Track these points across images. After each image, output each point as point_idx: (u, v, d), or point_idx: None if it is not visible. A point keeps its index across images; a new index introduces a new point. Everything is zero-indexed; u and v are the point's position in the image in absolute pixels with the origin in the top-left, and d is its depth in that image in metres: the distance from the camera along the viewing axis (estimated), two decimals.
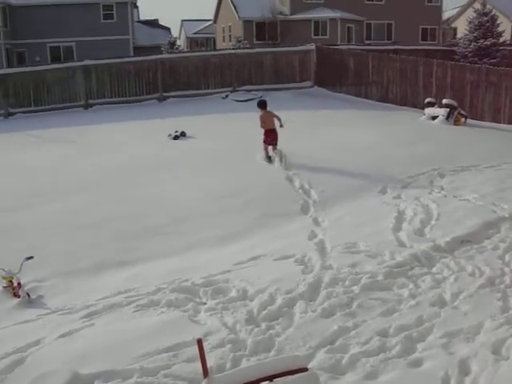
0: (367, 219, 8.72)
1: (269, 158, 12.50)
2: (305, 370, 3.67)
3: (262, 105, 12.95)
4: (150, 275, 7.07)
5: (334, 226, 8.48)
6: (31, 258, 7.30)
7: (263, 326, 5.58)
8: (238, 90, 22.87)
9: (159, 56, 24.17)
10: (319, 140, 14.54)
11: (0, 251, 8.36)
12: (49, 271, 7.58)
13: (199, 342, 3.46)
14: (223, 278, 6.67)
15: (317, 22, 40.98)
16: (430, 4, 44.28)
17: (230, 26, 44.47)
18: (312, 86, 23.57)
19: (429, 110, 17.92)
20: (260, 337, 5.34)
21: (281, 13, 40.96)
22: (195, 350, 4.85)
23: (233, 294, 6.27)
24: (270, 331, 5.47)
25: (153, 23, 53.13)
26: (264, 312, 5.83)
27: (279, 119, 12.73)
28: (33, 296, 7.03)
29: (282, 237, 8.18)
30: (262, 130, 12.67)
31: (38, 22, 39.67)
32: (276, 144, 12.57)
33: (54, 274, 7.53)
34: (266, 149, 12.60)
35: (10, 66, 36.19)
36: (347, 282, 6.39)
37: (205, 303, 6.14)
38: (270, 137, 12.60)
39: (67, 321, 6.10)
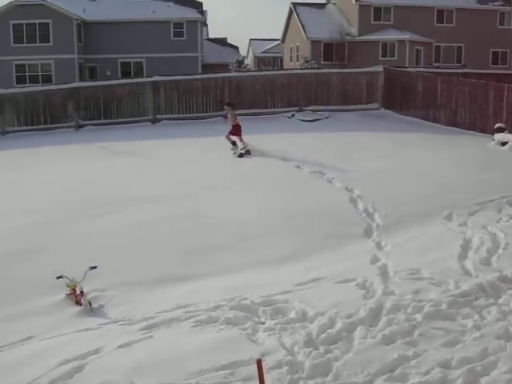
0: (432, 245, 8.50)
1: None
2: None
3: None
4: (209, 291, 7.09)
5: (398, 251, 8.31)
6: (95, 267, 7.44)
7: (322, 349, 5.49)
8: (304, 110, 22.85)
9: (227, 74, 24.46)
10: (384, 163, 14.30)
11: (66, 259, 8.58)
12: (111, 281, 7.71)
13: (259, 363, 3.42)
14: (283, 298, 6.62)
15: (385, 44, 40.70)
16: (501, 27, 43.31)
17: (297, 46, 44.67)
18: (379, 108, 23.32)
19: (499, 136, 17.41)
20: (318, 360, 5.26)
21: (349, 34, 40.92)
22: (252, 369, 4.85)
23: (292, 315, 6.21)
24: (329, 355, 5.38)
25: (221, 41, 53.95)
26: (323, 335, 5.74)
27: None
28: (94, 305, 7.16)
29: (343, 259, 8.07)
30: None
31: (111, 38, 40.90)
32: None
33: (116, 284, 7.66)
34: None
35: (82, 79, 37.37)
36: (409, 310, 6.23)
37: (263, 323, 6.10)
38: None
39: (126, 332, 6.17)
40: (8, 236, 9.98)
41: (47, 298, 7.53)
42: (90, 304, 7.14)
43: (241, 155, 15.39)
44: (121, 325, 6.39)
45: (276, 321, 6.09)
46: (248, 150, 15.55)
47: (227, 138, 15.99)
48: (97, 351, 5.77)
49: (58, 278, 7.40)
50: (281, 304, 6.47)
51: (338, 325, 5.92)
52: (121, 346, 5.78)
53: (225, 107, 17.47)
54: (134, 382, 4.83)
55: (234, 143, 15.88)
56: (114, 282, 7.72)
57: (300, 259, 8.17)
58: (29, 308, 7.42)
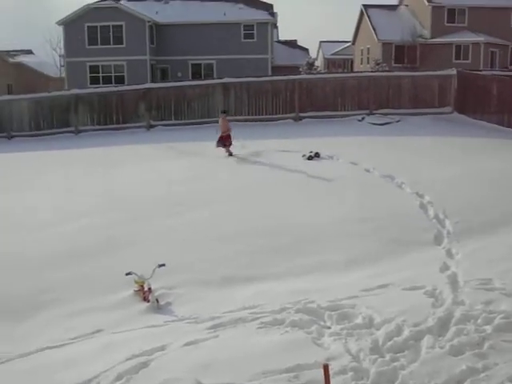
0: (504, 255, 8.21)
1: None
2: None
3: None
4: (275, 293, 7.11)
5: (468, 260, 8.08)
6: (163, 265, 7.57)
7: (387, 357, 5.40)
8: (374, 113, 22.56)
9: (297, 76, 24.42)
10: (457, 169, 13.92)
11: (136, 256, 8.78)
12: (179, 280, 7.84)
13: (325, 368, 3.40)
14: (350, 303, 6.55)
15: (458, 46, 39.76)
16: None
17: (368, 48, 44.21)
18: (451, 112, 22.77)
19: None
20: (384, 368, 5.18)
21: (421, 36, 40.15)
22: (316, 373, 4.82)
23: (358, 320, 6.14)
24: (395, 363, 5.28)
25: (292, 43, 53.94)
26: (389, 343, 5.65)
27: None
28: (161, 302, 7.29)
29: (412, 266, 7.92)
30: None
31: (182, 40, 41.57)
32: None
33: (183, 282, 7.78)
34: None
35: (153, 80, 38.10)
36: (479, 321, 6.04)
37: (329, 327, 6.06)
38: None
39: (193, 330, 6.26)
40: (85, 232, 10.32)
41: (117, 293, 7.74)
42: (158, 301, 7.27)
43: (310, 158, 15.33)
44: (187, 323, 6.48)
45: (342, 326, 6.03)
46: (317, 153, 15.48)
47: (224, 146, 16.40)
48: (163, 348, 5.86)
49: (126, 274, 7.58)
50: (347, 309, 6.41)
51: (405, 333, 5.81)
52: (187, 344, 5.86)
53: (221, 115, 17.41)
54: (199, 379, 4.87)
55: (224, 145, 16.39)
56: (181, 280, 7.85)
57: (368, 264, 8.08)
58: (99, 303, 7.65)
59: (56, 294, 8.03)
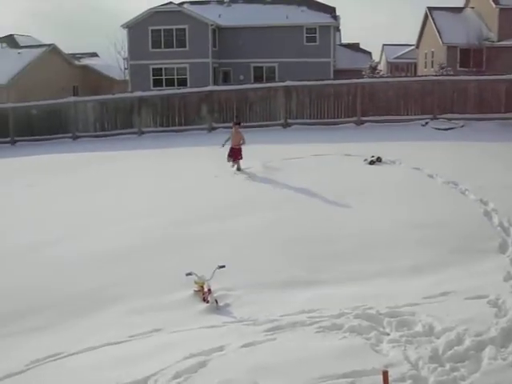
0: None
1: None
2: None
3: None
4: (334, 298, 7.07)
5: None
6: (223, 266, 7.64)
7: (447, 366, 5.29)
8: (438, 118, 22.16)
9: (360, 80, 24.22)
10: None
11: (197, 257, 8.89)
12: (238, 281, 7.89)
13: (385, 374, 3.37)
14: (410, 310, 6.46)
15: None
16: None
17: (432, 52, 43.41)
18: None
19: None
20: (443, 377, 5.08)
21: (487, 39, 39.13)
22: (374, 379, 4.78)
23: (418, 328, 6.04)
24: (455, 373, 5.18)
25: (354, 47, 53.57)
26: (450, 352, 5.53)
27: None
28: (220, 303, 7.35)
29: (475, 275, 7.73)
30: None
31: (244, 43, 41.86)
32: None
33: (242, 284, 7.83)
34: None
35: (215, 83, 38.50)
36: None
37: (388, 334, 5.98)
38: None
39: (251, 332, 6.28)
40: (148, 231, 10.54)
41: (176, 293, 7.85)
42: (217, 302, 7.34)
43: (372, 162, 15.18)
44: (245, 325, 6.51)
45: (401, 333, 5.95)
46: (379, 158, 15.30)
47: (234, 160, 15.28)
48: (221, 348, 5.91)
49: (187, 274, 7.67)
50: (407, 316, 6.31)
51: (467, 342, 5.68)
52: (244, 346, 5.89)
53: (234, 125, 15.96)
54: (257, 381, 4.89)
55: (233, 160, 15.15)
56: (241, 282, 7.90)
57: (429, 271, 7.93)
58: (159, 301, 7.79)
59: (117, 291, 8.21)
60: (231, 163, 15.06)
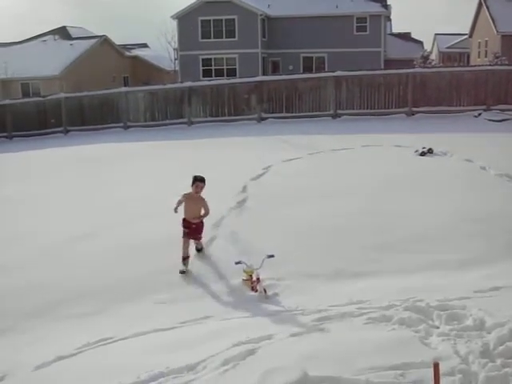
0: None
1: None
2: None
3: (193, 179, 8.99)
4: (384, 290, 7.04)
5: None
6: (272, 256, 7.67)
7: (498, 362, 5.19)
8: (491, 109, 21.69)
9: (411, 70, 23.85)
10: None
11: (247, 246, 8.95)
12: (287, 271, 7.93)
13: (436, 366, 3.35)
14: (460, 304, 6.37)
15: None
16: None
17: (486, 41, 42.42)
18: None
19: None
20: (494, 373, 4.99)
21: None
22: (423, 372, 4.75)
23: (469, 322, 5.95)
24: (506, 369, 5.07)
25: (405, 36, 52.82)
26: (501, 347, 5.43)
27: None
28: (269, 292, 7.40)
29: None
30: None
31: (293, 33, 41.72)
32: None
33: (291, 274, 7.87)
34: None
35: (264, 73, 38.53)
36: None
37: (438, 327, 5.92)
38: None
39: (299, 321, 6.32)
40: None
41: (225, 281, 7.95)
42: (265, 291, 7.39)
43: (423, 154, 14.97)
44: (294, 314, 6.55)
45: (451, 327, 5.87)
46: (431, 149, 15.08)
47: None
48: (269, 337, 5.95)
49: (236, 263, 7.73)
50: (457, 310, 6.23)
51: None
52: (292, 335, 5.92)
53: (196, 184, 8.94)
54: (305, 370, 4.91)
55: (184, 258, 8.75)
56: (289, 271, 7.93)
57: (481, 265, 7.81)
58: (208, 290, 7.90)
59: (167, 278, 8.36)
60: (186, 243, 8.81)
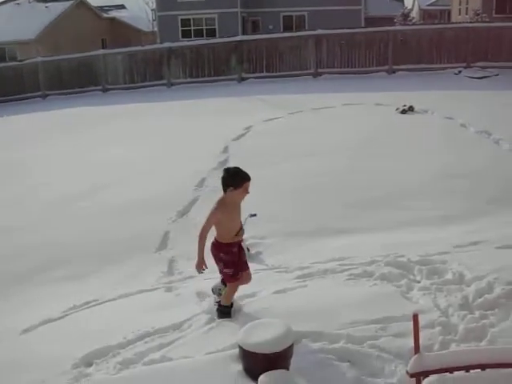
0: None
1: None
2: None
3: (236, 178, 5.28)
4: (365, 246, 7.11)
5: None
6: (255, 215, 7.69)
7: (477, 314, 5.31)
8: (472, 67, 21.71)
9: (391, 28, 23.79)
10: None
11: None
12: (270, 230, 7.97)
13: (415, 317, 3.42)
14: (440, 258, 6.46)
15: None
16: None
17: None
18: None
19: None
20: (473, 324, 5.11)
21: None
22: (404, 326, 4.84)
23: (449, 276, 6.05)
24: (484, 320, 5.19)
25: None
26: (480, 300, 5.54)
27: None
28: (252, 251, 7.45)
29: (506, 225, 7.67)
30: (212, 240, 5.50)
31: None
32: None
33: (274, 233, 7.92)
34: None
35: (244, 33, 38.08)
36: None
37: (419, 281, 6.02)
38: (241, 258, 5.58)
39: (282, 279, 6.38)
40: (180, 181, 10.63)
41: (210, 241, 7.97)
42: (249, 250, 7.42)
43: (404, 111, 15.01)
44: (277, 272, 6.61)
45: (432, 281, 5.97)
46: (411, 107, 15.11)
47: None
48: (253, 294, 6.01)
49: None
50: (438, 264, 6.32)
51: (497, 291, 5.67)
52: (276, 292, 5.98)
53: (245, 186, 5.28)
54: (289, 325, 4.98)
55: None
56: (272, 230, 7.98)
57: (461, 221, 7.91)
58: (192, 249, 7.89)
59: (154, 239, 8.38)
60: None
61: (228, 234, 5.39)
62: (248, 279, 5.60)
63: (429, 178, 9.83)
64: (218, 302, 5.61)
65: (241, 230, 5.52)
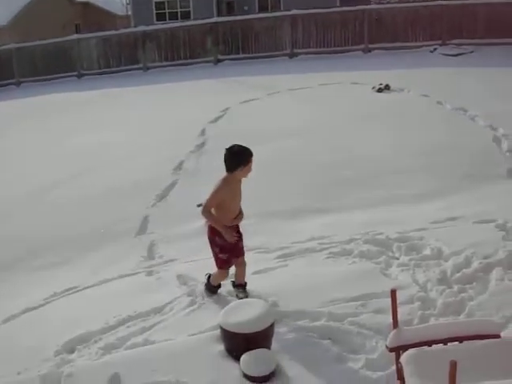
0: None
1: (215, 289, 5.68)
2: (497, 336, 3.53)
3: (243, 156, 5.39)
4: (344, 225, 7.17)
5: None
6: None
7: (455, 288, 5.40)
8: (447, 44, 21.78)
9: (367, 7, 23.70)
10: None
11: (205, 187, 8.97)
12: (248, 212, 7.83)
13: (393, 293, 3.46)
14: (418, 235, 6.54)
15: None
16: None
17: None
18: None
19: None
20: (451, 299, 5.19)
21: None
22: (384, 302, 4.90)
23: (427, 252, 6.14)
24: (462, 294, 5.28)
25: None
26: (458, 274, 5.63)
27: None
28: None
29: (482, 200, 7.77)
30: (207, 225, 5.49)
31: None
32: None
33: (253, 214, 7.80)
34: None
35: (220, 15, 37.76)
36: None
37: (397, 258, 6.09)
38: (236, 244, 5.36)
39: (262, 259, 6.41)
40: (157, 165, 10.60)
41: (189, 224, 7.96)
42: None
43: (380, 90, 15.06)
44: (257, 252, 6.63)
45: (410, 257, 6.05)
46: (388, 86, 15.16)
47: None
48: (232, 276, 6.04)
49: (198, 205, 7.71)
50: (416, 241, 6.40)
51: (474, 265, 5.77)
52: (256, 272, 6.01)
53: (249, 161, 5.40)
54: (271, 305, 5.03)
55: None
56: (251, 212, 7.87)
57: (437, 198, 7.97)
58: (170, 233, 7.92)
59: (129, 225, 8.36)
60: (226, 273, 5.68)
61: (227, 216, 5.31)
62: (243, 264, 5.54)
63: (405, 155, 9.89)
64: (208, 277, 5.66)
65: (240, 214, 5.45)
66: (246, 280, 5.58)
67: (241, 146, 5.40)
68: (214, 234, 5.33)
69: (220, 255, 5.36)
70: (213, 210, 5.28)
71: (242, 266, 5.52)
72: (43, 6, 40.15)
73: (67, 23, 41.46)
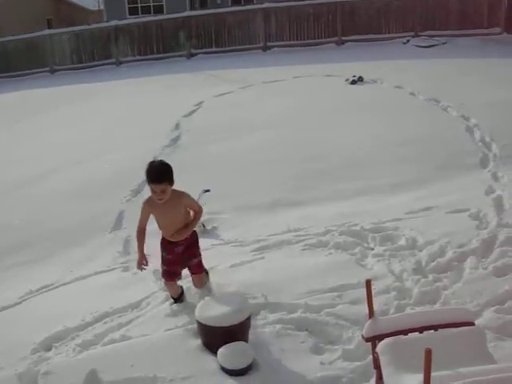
0: None
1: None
2: (471, 324, 3.58)
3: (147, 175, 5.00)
4: (320, 216, 7.19)
5: None
6: (208, 191, 7.68)
7: (430, 277, 5.46)
8: (420, 36, 21.91)
9: None
10: (506, 93, 13.45)
11: (181, 181, 8.92)
12: (224, 205, 7.98)
13: (368, 283, 3.48)
14: (393, 225, 6.60)
15: None
16: None
17: None
18: (501, 33, 21.87)
19: None
20: (427, 288, 5.25)
21: None
22: (360, 292, 4.93)
23: (402, 242, 6.19)
24: (437, 283, 5.35)
25: None
26: (432, 264, 5.70)
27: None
28: (208, 227, 7.45)
29: (456, 190, 7.84)
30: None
31: None
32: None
33: (229, 208, 7.93)
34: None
35: (192, 8, 37.56)
36: None
37: (372, 249, 6.13)
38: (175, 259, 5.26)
39: (239, 252, 6.42)
40: (137, 159, 10.52)
41: None
42: (204, 226, 7.42)
43: (353, 82, 15.11)
44: (233, 246, 6.64)
45: (385, 247, 6.10)
46: (361, 77, 15.22)
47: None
48: (210, 269, 6.04)
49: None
50: (391, 231, 6.46)
51: (449, 254, 5.84)
52: (233, 266, 6.03)
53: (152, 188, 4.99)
54: (247, 297, 5.04)
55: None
56: (227, 205, 7.98)
57: (411, 188, 8.04)
58: (149, 228, 7.84)
59: (109, 220, 8.30)
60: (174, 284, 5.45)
61: (163, 230, 5.25)
62: (197, 280, 5.41)
63: (379, 146, 9.95)
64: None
65: (178, 232, 5.10)
66: (223, 273, 5.58)
67: (153, 164, 5.05)
68: (160, 246, 5.32)
69: (162, 265, 5.33)
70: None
71: (196, 279, 5.44)
72: (15, 2, 39.57)
73: (40, 18, 40.93)
